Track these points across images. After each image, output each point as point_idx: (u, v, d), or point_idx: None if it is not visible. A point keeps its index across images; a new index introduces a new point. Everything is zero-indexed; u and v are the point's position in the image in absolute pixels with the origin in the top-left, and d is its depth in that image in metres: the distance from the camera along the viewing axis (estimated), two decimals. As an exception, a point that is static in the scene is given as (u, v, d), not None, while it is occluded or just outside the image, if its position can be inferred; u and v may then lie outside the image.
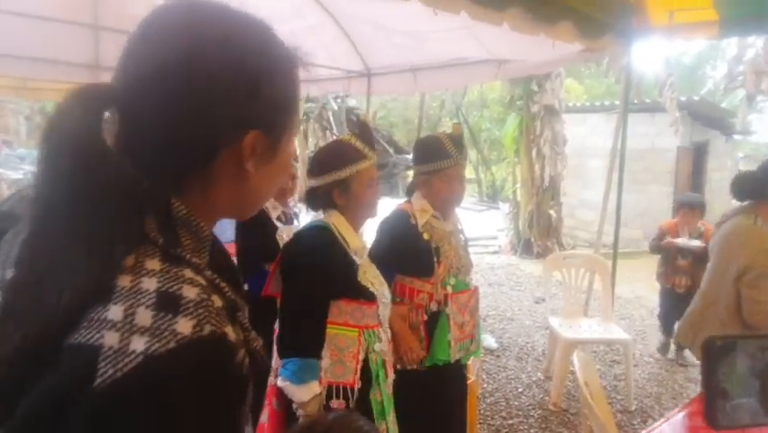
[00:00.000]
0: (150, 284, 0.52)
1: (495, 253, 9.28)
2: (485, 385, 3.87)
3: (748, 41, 8.27)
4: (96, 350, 0.47)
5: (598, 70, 13.41)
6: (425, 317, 2.12)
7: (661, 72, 8.67)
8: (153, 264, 0.54)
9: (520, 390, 3.86)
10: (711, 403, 1.10)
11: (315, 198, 1.82)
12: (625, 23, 3.56)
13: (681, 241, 4.30)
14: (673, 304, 4.26)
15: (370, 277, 1.75)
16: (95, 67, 4.91)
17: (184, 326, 0.50)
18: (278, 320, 1.74)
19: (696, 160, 10.98)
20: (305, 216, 4.11)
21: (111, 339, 0.48)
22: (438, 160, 2.12)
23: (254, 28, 0.65)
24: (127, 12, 4.77)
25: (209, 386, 0.51)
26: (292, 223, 2.92)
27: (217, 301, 0.56)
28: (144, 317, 0.49)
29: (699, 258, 3.88)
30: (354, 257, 1.73)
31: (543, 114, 8.67)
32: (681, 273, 4.32)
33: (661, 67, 8.75)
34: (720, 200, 12.01)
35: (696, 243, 4.19)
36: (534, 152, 8.80)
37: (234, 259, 3.32)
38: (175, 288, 0.53)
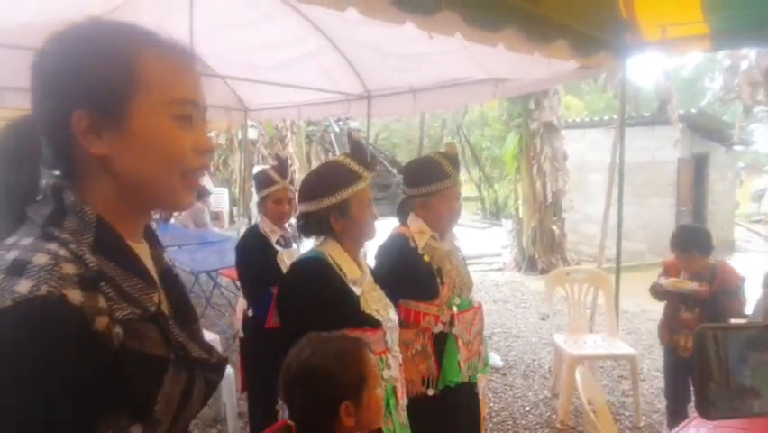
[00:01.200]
0: (12, 255, 0.61)
1: (499, 270, 9.26)
2: (491, 404, 3.84)
3: (742, 53, 8.34)
4: None
5: (597, 86, 13.54)
6: (433, 340, 2.08)
7: (663, 87, 8.75)
8: (26, 240, 0.64)
9: (527, 408, 3.83)
10: (702, 394, 1.10)
11: (309, 225, 1.72)
12: (619, 39, 3.62)
13: (669, 282, 3.13)
14: (680, 371, 3.13)
15: (373, 303, 1.69)
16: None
17: (23, 286, 0.57)
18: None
19: (697, 171, 11.01)
20: (305, 240, 4.14)
21: None
22: (437, 181, 2.11)
23: (102, 29, 0.73)
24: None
25: (39, 342, 0.56)
26: (291, 246, 2.94)
27: (69, 269, 0.62)
28: None
29: (710, 308, 3.00)
30: (352, 286, 1.66)
31: (542, 131, 8.73)
32: (685, 330, 3.07)
33: (662, 81, 8.84)
34: (723, 211, 12.01)
35: (692, 285, 3.04)
36: (534, 169, 8.84)
37: (238, 283, 3.33)
38: (28, 256, 0.61)
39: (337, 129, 12.32)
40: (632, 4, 3.50)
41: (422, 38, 2.98)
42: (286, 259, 2.74)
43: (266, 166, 3.70)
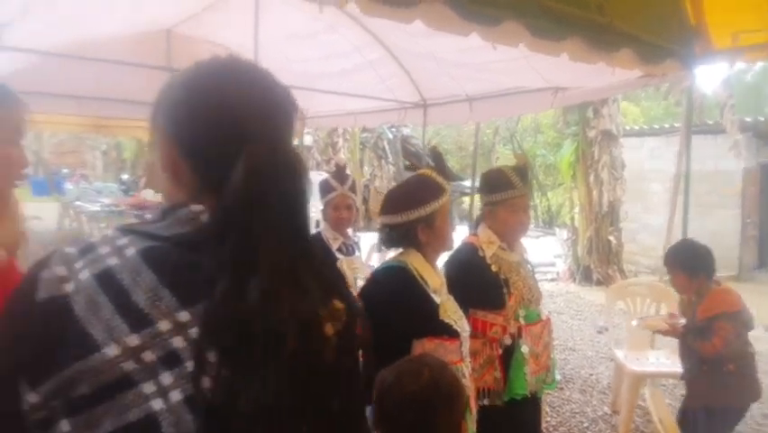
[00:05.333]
0: None
1: (553, 280, 9.08)
2: (548, 419, 3.78)
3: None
4: None
5: (655, 92, 13.09)
6: (500, 351, 2.08)
7: (721, 93, 8.40)
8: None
9: (585, 424, 3.74)
10: None
11: (394, 236, 1.76)
12: (686, 48, 3.51)
13: (642, 322, 3.03)
14: None
15: (451, 313, 1.72)
16: (167, 105, 5.21)
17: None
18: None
19: (764, 181, 10.46)
20: (364, 246, 4.19)
21: None
22: (502, 190, 2.13)
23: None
24: (193, 58, 5.10)
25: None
26: (353, 253, 2.97)
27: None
28: None
29: (684, 348, 2.75)
30: (433, 295, 1.70)
31: (600, 138, 8.53)
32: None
33: (721, 88, 8.48)
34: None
35: (660, 323, 2.88)
36: (591, 178, 8.64)
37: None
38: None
39: (390, 136, 12.40)
40: (701, 11, 3.40)
41: (481, 47, 2.99)
42: (346, 267, 2.76)
43: (321, 172, 3.76)
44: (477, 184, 3.13)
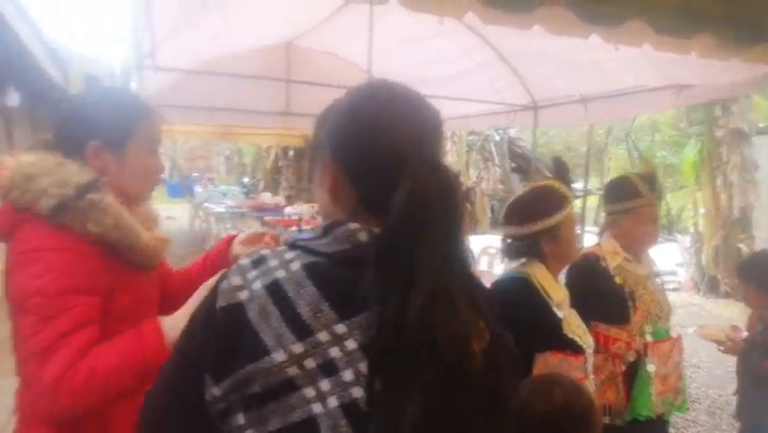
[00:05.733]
0: None
1: (675, 290, 8.48)
2: (671, 437, 3.57)
3: None
4: None
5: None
6: (623, 368, 1.98)
7: None
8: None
9: (713, 448, 3.49)
10: None
11: (517, 247, 1.74)
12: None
13: (701, 332, 2.84)
14: None
15: (574, 327, 1.67)
16: (285, 114, 5.57)
17: None
18: None
19: None
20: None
21: None
22: (628, 199, 2.05)
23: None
24: (311, 68, 5.39)
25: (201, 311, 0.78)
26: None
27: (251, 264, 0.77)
28: None
29: (745, 365, 2.57)
30: (556, 309, 1.66)
31: (729, 138, 7.84)
32: None
33: None
34: None
35: (721, 336, 2.66)
36: (718, 180, 7.96)
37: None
38: None
39: (497, 138, 12.23)
40: None
41: (597, 45, 2.89)
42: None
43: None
44: (589, 187, 3.01)
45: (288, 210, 8.89)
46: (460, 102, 5.54)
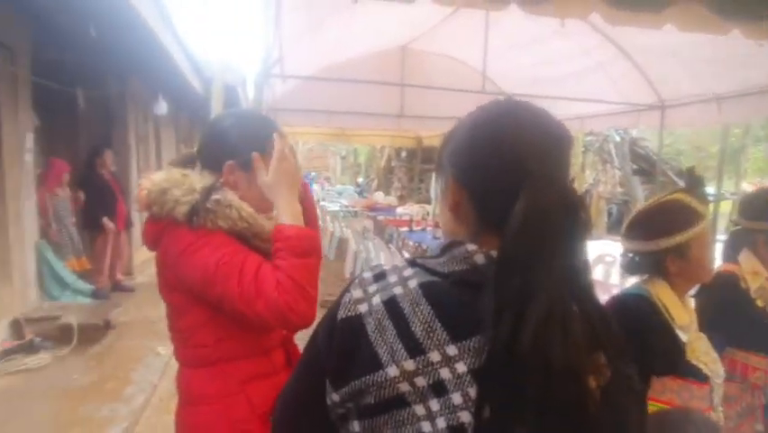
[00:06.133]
0: None
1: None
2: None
3: None
4: None
5: None
6: (764, 401, 1.83)
7: None
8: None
9: None
10: None
11: (639, 263, 1.62)
12: None
13: None
14: None
15: (701, 354, 1.53)
16: (399, 116, 5.73)
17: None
18: None
19: None
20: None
21: None
22: None
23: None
24: (425, 71, 5.48)
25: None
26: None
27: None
28: None
29: None
30: (679, 332, 1.53)
31: None
32: None
33: None
34: None
35: None
36: None
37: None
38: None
39: (617, 138, 11.57)
40: None
41: (733, 41, 2.67)
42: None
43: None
44: (722, 191, 2.73)
45: (399, 210, 9.09)
46: (576, 102, 5.35)
